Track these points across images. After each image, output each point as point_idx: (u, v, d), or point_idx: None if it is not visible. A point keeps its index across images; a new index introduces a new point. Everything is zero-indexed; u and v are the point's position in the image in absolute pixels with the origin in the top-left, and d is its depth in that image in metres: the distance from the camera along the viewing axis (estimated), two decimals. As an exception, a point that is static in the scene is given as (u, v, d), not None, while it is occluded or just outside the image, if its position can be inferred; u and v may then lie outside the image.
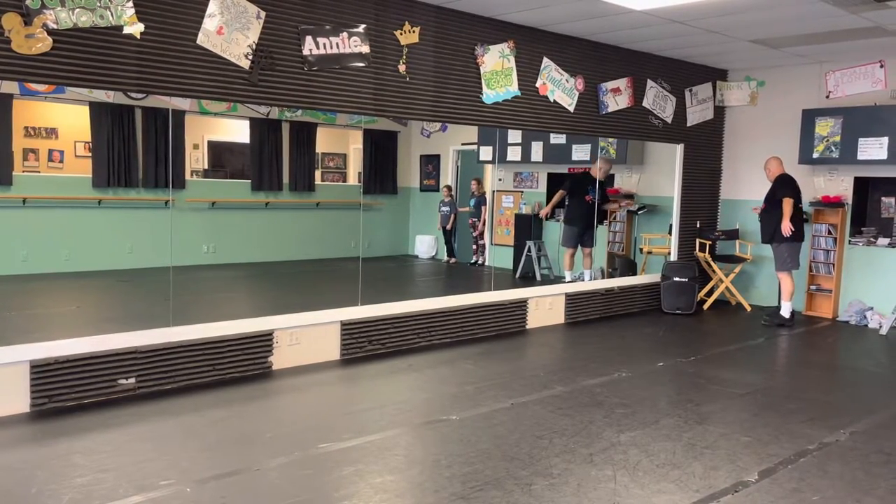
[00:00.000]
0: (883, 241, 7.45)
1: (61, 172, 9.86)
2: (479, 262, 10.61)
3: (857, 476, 3.53)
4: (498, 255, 10.29)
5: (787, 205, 7.00)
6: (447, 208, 11.02)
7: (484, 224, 10.54)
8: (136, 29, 4.31)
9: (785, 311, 7.22)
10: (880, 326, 7.10)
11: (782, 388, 5.11)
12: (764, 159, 7.72)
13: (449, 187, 11.23)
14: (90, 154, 9.58)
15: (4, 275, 8.47)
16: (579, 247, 8.72)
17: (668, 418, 4.32)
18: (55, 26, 4.03)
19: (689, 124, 8.10)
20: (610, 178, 9.34)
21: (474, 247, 10.72)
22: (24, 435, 3.93)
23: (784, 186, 7.13)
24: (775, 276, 7.47)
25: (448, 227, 11.02)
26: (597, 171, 8.50)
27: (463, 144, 11.30)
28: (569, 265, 8.75)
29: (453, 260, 11.10)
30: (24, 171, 9.49)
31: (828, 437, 4.06)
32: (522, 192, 10.48)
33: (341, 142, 12.56)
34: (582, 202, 8.50)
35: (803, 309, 7.89)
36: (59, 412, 4.22)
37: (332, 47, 5.18)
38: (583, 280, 8.45)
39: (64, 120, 9.88)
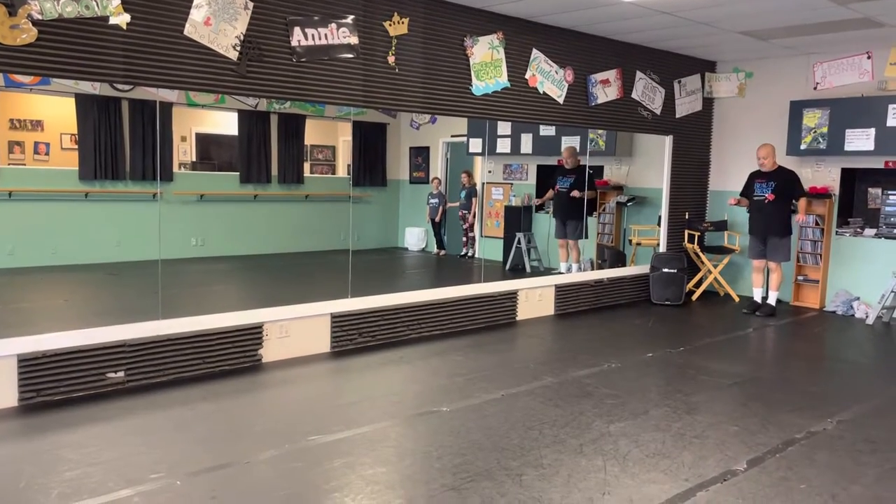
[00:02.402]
0: (869, 231, 7.51)
1: (47, 165, 9.78)
2: (469, 254, 10.61)
3: (844, 464, 3.56)
4: (488, 247, 10.30)
5: (804, 204, 7.29)
6: (436, 200, 10.99)
7: (474, 216, 10.53)
8: (121, 19, 4.27)
9: (773, 300, 7.36)
10: (867, 316, 7.16)
11: (770, 378, 5.15)
12: (752, 151, 7.74)
13: (438, 179, 11.21)
14: (76, 146, 9.50)
15: (-9, 268, 8.41)
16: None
17: (657, 408, 4.34)
18: (40, 17, 3.98)
19: (677, 116, 8.12)
20: (599, 170, 9.36)
21: (464, 239, 10.72)
22: (12, 429, 3.91)
23: (797, 184, 7.24)
24: (748, 267, 7.50)
25: (437, 219, 11.01)
26: (564, 161, 8.69)
27: (452, 136, 11.28)
28: (561, 256, 8.78)
29: (443, 252, 11.10)
30: (9, 164, 9.41)
31: (815, 426, 4.10)
32: (512, 184, 10.49)
33: (330, 134, 12.52)
34: (558, 193, 8.66)
35: (790, 299, 7.95)
36: (48, 406, 4.19)
37: (320, 38, 5.15)
38: (570, 272, 8.45)
39: (50, 112, 9.79)
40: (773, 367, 5.56)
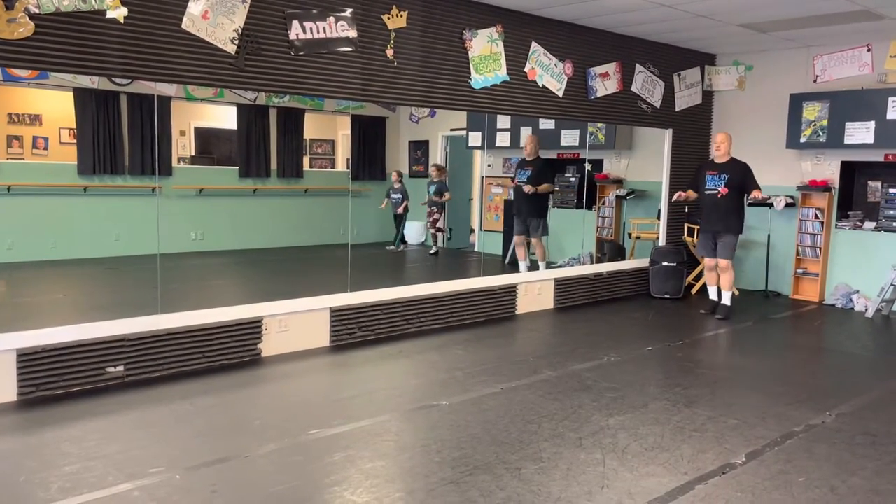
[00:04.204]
0: (869, 224, 7.50)
1: (46, 159, 9.75)
2: (435, 251, 10.21)
3: (842, 457, 3.56)
4: (487, 241, 10.29)
5: (760, 194, 6.69)
6: (398, 195, 10.53)
7: (441, 213, 10.12)
8: (119, 13, 4.25)
9: (727, 300, 6.90)
10: (866, 309, 7.16)
11: (769, 371, 5.16)
12: (752, 144, 7.74)
13: (399, 172, 10.77)
14: (75, 141, 9.49)
15: (-10, 263, 8.40)
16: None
17: (656, 402, 4.34)
18: (37, 10, 3.97)
19: (677, 109, 8.10)
20: (599, 164, 9.35)
21: (432, 231, 10.27)
22: (12, 424, 3.91)
23: (750, 175, 6.70)
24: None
25: (399, 212, 10.54)
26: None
27: (452, 130, 11.26)
28: (518, 255, 8.22)
29: (401, 247, 10.58)
30: (8, 159, 9.39)
31: (814, 419, 4.10)
32: (512, 177, 10.46)
33: (329, 128, 12.48)
34: (516, 186, 8.11)
35: (790, 292, 7.95)
36: (47, 401, 4.20)
37: (318, 32, 5.14)
38: (529, 271, 7.91)
39: (48, 106, 9.76)
40: (771, 361, 5.56)
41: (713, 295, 7.07)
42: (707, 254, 6.97)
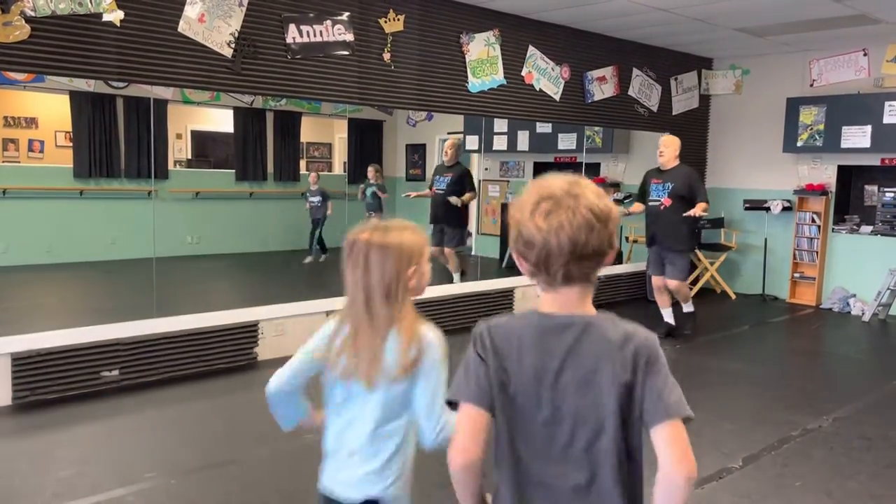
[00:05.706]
0: (866, 228, 7.51)
1: (42, 163, 9.73)
2: None
3: (839, 461, 3.56)
4: (485, 245, 10.29)
5: (703, 210, 5.82)
6: (317, 198, 9.64)
7: (381, 215, 9.63)
8: (115, 16, 4.24)
9: (689, 308, 6.23)
10: (863, 313, 7.16)
11: (766, 375, 5.15)
12: (749, 148, 7.73)
13: (317, 174, 10.21)
14: (71, 144, 9.47)
15: (-15, 267, 8.37)
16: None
17: (653, 406, 4.33)
18: (33, 13, 3.96)
19: (674, 113, 8.11)
20: (596, 167, 9.35)
21: None
22: (6, 428, 3.89)
23: (698, 185, 5.95)
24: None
25: (318, 217, 9.80)
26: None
27: (449, 133, 11.25)
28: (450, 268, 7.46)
29: (309, 258, 9.72)
30: (3, 162, 9.37)
31: (811, 423, 4.10)
32: (509, 181, 10.47)
33: (326, 131, 12.48)
34: (435, 194, 7.41)
35: (787, 296, 7.95)
36: (42, 405, 4.17)
37: (315, 35, 5.13)
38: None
39: (44, 109, 9.74)
40: (769, 365, 5.56)
41: (667, 317, 6.16)
42: (655, 272, 6.09)
